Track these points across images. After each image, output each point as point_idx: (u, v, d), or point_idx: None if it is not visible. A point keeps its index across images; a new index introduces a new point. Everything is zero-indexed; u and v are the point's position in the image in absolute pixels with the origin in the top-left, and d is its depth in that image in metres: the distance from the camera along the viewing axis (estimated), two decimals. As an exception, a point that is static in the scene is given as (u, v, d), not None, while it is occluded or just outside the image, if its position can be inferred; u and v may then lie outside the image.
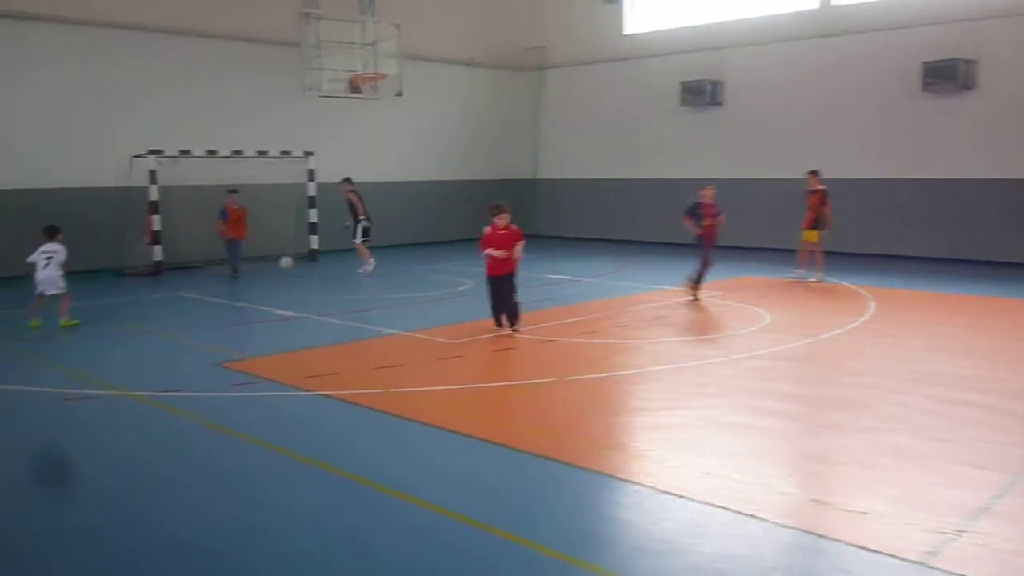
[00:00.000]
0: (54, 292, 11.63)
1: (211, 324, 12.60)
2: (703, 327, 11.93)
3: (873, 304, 12.92)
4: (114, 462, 6.57)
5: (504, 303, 10.88)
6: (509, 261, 10.81)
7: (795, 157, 20.15)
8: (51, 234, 11.98)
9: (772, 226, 20.24)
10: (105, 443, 7.05)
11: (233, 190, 16.87)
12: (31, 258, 11.67)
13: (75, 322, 11.75)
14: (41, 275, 11.60)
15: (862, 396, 7.96)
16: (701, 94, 21.59)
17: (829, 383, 8.77)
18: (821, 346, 10.23)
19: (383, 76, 18.73)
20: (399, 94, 19.40)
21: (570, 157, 25.25)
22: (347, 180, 17.67)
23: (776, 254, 19.32)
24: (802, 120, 20.37)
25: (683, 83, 21.91)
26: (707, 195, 13.85)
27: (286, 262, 17.00)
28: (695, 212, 13.68)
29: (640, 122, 23.32)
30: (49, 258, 11.66)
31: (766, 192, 20.62)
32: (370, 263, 17.40)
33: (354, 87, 18.94)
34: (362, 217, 17.48)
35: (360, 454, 6.59)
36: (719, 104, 21.67)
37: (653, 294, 14.31)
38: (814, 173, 15.79)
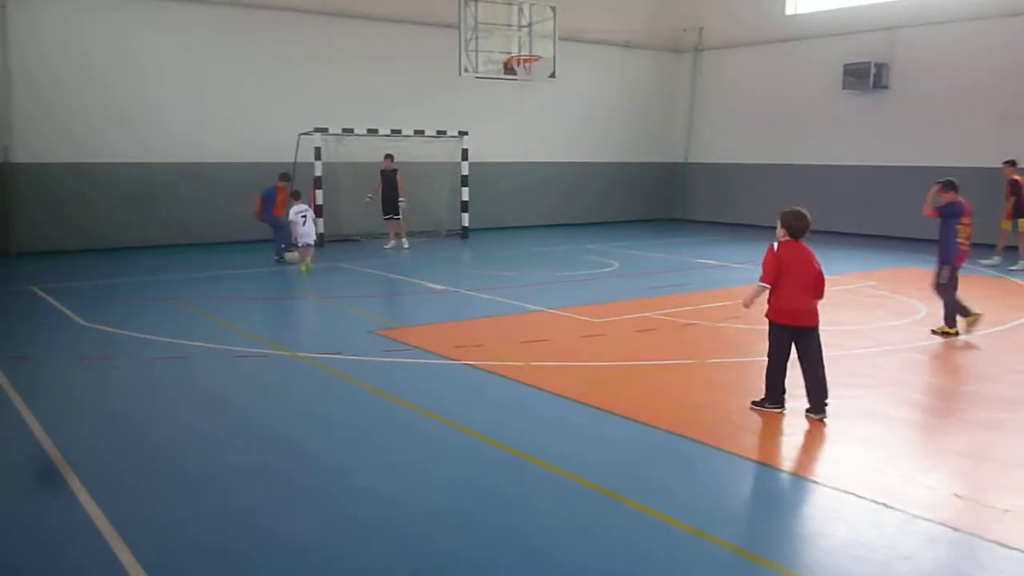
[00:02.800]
0: (309, 243, 14.63)
1: (367, 294, 13.26)
2: (855, 317, 11.59)
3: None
4: (279, 410, 7.14)
5: (810, 373, 6.90)
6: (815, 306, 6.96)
7: (966, 144, 19.12)
8: (296, 196, 15.28)
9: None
10: (271, 396, 7.65)
11: (286, 175, 16.31)
12: (291, 217, 14.75)
13: (313, 268, 14.50)
14: (303, 229, 14.60)
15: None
16: (865, 77, 20.73)
17: (987, 379, 8.40)
18: (984, 341, 9.77)
19: (538, 58, 18.95)
20: (552, 76, 19.57)
21: (724, 141, 24.79)
22: (390, 156, 18.17)
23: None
24: (977, 104, 19.21)
25: (846, 66, 21.07)
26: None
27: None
28: (954, 213, 9.93)
29: (799, 106, 22.63)
30: (304, 216, 14.68)
31: (933, 180, 19.61)
32: (404, 241, 18.22)
33: (509, 69, 19.24)
34: (402, 199, 18.05)
35: (500, 422, 6.86)
36: (884, 87, 20.73)
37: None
38: (1010, 163, 15.29)
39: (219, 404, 7.42)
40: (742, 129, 24.16)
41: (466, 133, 20.41)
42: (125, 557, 4.47)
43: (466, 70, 17.93)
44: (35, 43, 16.28)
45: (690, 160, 25.84)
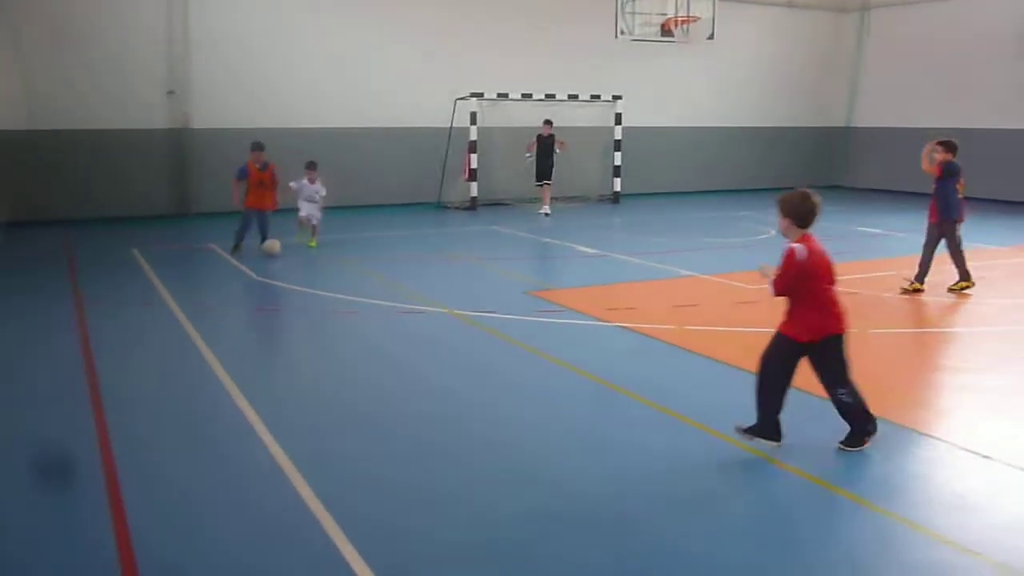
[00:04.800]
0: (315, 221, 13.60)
1: (520, 256, 13.52)
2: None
3: None
4: (444, 365, 7.48)
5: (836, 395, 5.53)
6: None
7: None
8: (312, 167, 13.57)
9: None
10: (434, 351, 8.01)
11: (258, 145, 12.99)
12: (307, 194, 13.50)
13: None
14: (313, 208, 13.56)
15: None
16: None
17: None
18: None
19: (696, 19, 18.58)
20: (710, 37, 19.15)
21: (890, 104, 23.54)
22: (549, 122, 18.07)
23: None
24: None
25: (1029, 22, 19.59)
26: None
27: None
28: (955, 172, 10.22)
29: (973, 67, 21.18)
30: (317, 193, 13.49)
31: None
32: (547, 208, 18.02)
33: (666, 30, 18.96)
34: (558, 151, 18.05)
35: (651, 382, 6.94)
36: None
37: (974, 252, 13.24)
38: None
39: (385, 356, 7.82)
40: (912, 92, 22.84)
41: (620, 97, 20.27)
42: (304, 491, 4.86)
43: (622, 32, 17.80)
44: (206, 16, 17.27)
45: (853, 124, 24.71)
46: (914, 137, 22.67)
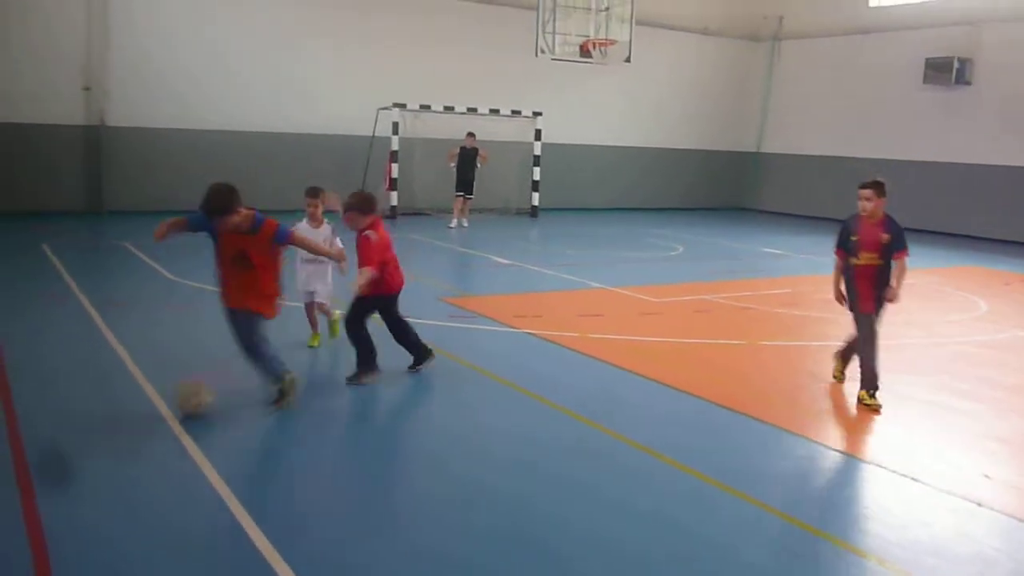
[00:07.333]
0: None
1: (436, 265, 13.76)
2: (914, 310, 11.67)
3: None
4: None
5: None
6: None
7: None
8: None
9: (1014, 215, 19.09)
10: (338, 344, 8.16)
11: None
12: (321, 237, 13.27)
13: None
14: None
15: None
16: (947, 72, 20.42)
17: (1038, 375, 8.50)
18: (1039, 340, 9.81)
19: (614, 42, 19.15)
20: (628, 60, 19.75)
21: (799, 132, 24.62)
22: (472, 134, 18.47)
23: (1013, 247, 18.29)
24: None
25: (928, 60, 20.77)
26: None
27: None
28: None
29: (877, 99, 22.36)
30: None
31: (1013, 180, 19.36)
32: (465, 220, 18.32)
33: (584, 51, 19.48)
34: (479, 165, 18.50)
35: (555, 385, 7.25)
36: (967, 83, 20.39)
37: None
38: None
39: (299, 351, 7.97)
40: (820, 121, 23.96)
41: (540, 114, 20.75)
42: (212, 476, 5.02)
43: (542, 51, 18.24)
44: (127, 12, 17.11)
45: (763, 150, 25.74)
46: (819, 164, 23.86)
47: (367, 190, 6.88)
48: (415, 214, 19.72)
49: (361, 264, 6.73)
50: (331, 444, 5.85)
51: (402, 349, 7.35)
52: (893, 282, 6.94)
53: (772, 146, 25.54)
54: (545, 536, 4.53)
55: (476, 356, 8.00)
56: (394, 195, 19.25)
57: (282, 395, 6.14)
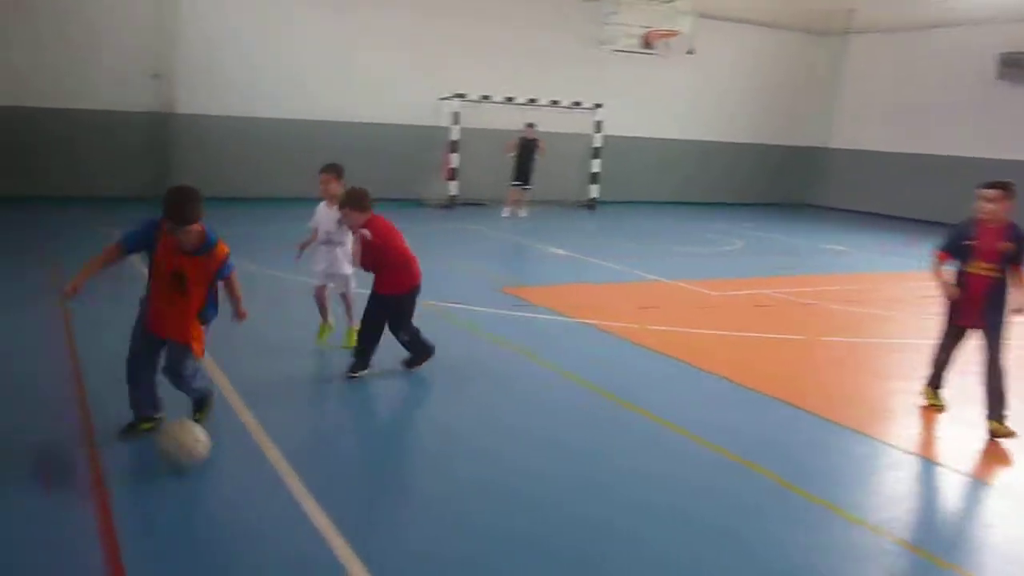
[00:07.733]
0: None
1: (494, 255, 13.84)
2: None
3: None
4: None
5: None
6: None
7: None
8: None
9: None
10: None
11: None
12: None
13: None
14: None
15: None
16: (1021, 67, 19.84)
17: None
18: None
19: (676, 33, 19.01)
20: (691, 52, 19.60)
21: (868, 127, 24.09)
22: (532, 125, 18.42)
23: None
24: None
25: (1003, 55, 20.20)
26: None
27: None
28: None
29: (949, 95, 21.76)
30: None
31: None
32: (522, 211, 18.29)
33: (647, 43, 19.37)
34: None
35: (611, 376, 7.29)
36: (1043, 79, 19.80)
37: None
38: None
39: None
40: (889, 116, 23.38)
41: (600, 106, 20.67)
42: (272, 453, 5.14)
43: (604, 43, 18.18)
44: (200, 3, 17.50)
45: (831, 146, 25.25)
46: (887, 161, 23.34)
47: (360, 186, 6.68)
48: (474, 204, 19.81)
49: (359, 263, 6.72)
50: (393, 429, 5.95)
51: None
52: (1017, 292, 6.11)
53: (840, 142, 25.04)
54: (634, 527, 4.57)
55: (534, 344, 8.04)
56: (453, 185, 19.37)
57: (203, 408, 5.48)
